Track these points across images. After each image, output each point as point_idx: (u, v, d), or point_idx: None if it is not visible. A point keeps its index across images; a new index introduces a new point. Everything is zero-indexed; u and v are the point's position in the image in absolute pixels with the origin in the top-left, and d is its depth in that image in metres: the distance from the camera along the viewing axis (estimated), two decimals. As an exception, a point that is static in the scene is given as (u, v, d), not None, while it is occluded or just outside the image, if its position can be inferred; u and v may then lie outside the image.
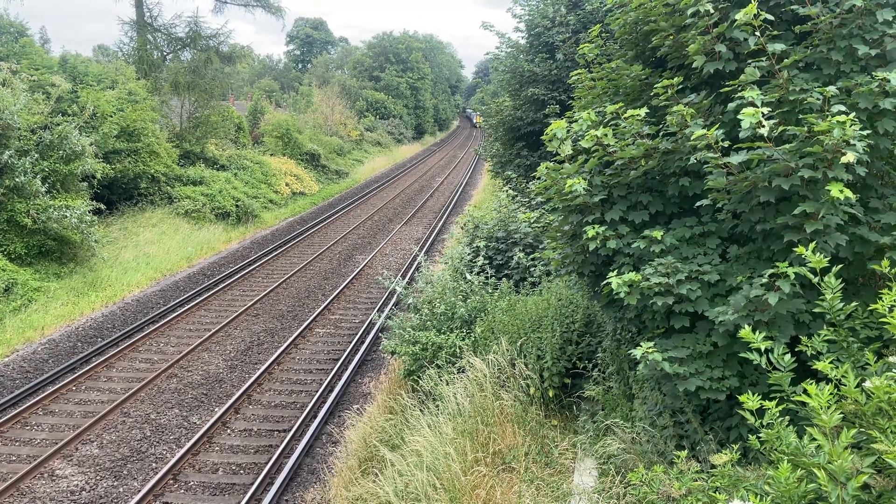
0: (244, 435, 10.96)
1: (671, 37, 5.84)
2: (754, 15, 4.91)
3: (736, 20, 5.03)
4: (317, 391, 12.42)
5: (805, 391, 3.19)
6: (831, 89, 4.60)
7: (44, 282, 17.19)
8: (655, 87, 5.65)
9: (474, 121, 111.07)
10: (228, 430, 11.08)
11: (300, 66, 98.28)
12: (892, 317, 3.42)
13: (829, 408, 3.04)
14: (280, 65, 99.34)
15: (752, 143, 4.70)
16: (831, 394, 3.17)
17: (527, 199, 15.07)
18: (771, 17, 5.06)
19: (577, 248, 6.04)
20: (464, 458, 6.94)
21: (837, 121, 4.28)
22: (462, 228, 14.85)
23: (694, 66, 5.42)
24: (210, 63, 31.96)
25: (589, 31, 7.71)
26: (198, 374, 13.32)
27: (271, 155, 36.77)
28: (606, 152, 5.65)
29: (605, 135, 5.59)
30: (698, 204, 5.36)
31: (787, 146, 4.54)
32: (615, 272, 5.35)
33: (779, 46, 4.93)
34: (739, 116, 4.60)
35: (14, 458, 10.07)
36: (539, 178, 6.31)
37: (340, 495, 8.19)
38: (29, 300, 16.15)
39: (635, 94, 6.38)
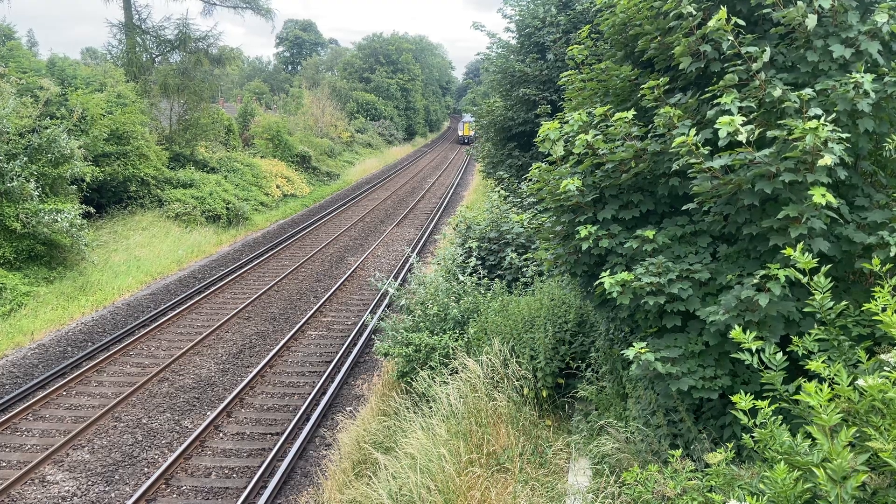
0: (237, 438, 10.91)
1: (657, 39, 5.85)
2: (726, 20, 4.94)
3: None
4: (309, 394, 12.38)
5: (801, 389, 3.20)
6: (808, 92, 4.61)
7: (33, 286, 17.05)
8: (642, 89, 5.65)
9: (461, 132, 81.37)
10: (221, 434, 11.02)
11: (290, 67, 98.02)
12: (884, 315, 3.43)
13: (828, 406, 3.05)
14: (270, 67, 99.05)
15: (732, 149, 4.71)
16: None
17: (519, 200, 15.09)
18: (742, 22, 5.08)
19: (569, 248, 6.05)
20: (458, 460, 6.93)
21: (810, 126, 4.28)
22: (454, 229, 14.83)
23: (681, 67, 5.43)
24: (199, 65, 31.84)
25: (579, 31, 7.71)
26: (189, 377, 13.25)
27: (262, 157, 36.65)
28: (597, 155, 5.65)
29: (596, 137, 5.60)
30: (685, 207, 5.37)
31: (767, 150, 4.56)
32: (608, 272, 5.35)
33: (752, 49, 4.95)
34: (716, 125, 4.61)
35: (4, 464, 9.98)
36: (531, 179, 6.31)
37: (334, 498, 8.16)
38: (18, 305, 16.02)
39: (625, 94, 6.39)
